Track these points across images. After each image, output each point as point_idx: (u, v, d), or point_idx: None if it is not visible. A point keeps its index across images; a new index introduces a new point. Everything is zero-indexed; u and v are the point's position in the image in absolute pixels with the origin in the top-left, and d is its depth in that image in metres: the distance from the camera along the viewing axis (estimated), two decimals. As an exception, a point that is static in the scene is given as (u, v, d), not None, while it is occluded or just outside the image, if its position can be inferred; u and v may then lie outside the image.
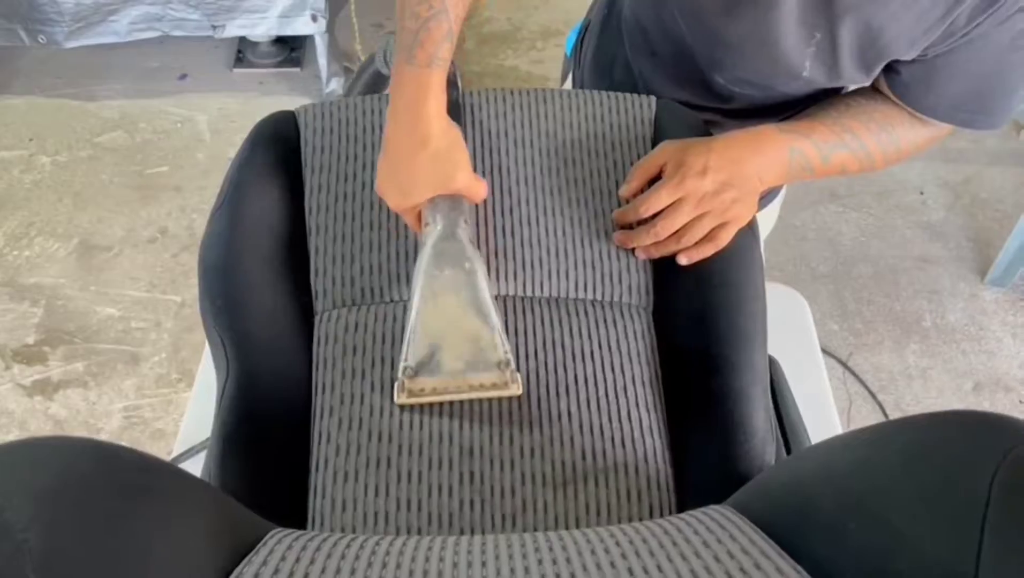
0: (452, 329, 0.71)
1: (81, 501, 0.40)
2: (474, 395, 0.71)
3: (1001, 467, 0.39)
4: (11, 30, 2.14)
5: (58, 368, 1.78)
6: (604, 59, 1.08)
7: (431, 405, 0.71)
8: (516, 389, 0.71)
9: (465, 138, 0.81)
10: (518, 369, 0.73)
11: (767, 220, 1.20)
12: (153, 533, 0.43)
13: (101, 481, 0.43)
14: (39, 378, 1.77)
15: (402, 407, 0.71)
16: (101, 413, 1.71)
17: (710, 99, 0.96)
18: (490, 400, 0.72)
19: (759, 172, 0.81)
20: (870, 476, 0.45)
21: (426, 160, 0.73)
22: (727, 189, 0.78)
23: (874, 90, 0.87)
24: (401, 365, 0.71)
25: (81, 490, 0.41)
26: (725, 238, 0.78)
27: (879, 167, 0.90)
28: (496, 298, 0.78)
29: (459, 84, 0.86)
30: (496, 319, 0.72)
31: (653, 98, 0.88)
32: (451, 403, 0.72)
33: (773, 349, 0.81)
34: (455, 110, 0.83)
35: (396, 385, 0.71)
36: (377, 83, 1.04)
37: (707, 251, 0.78)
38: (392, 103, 0.75)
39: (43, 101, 2.36)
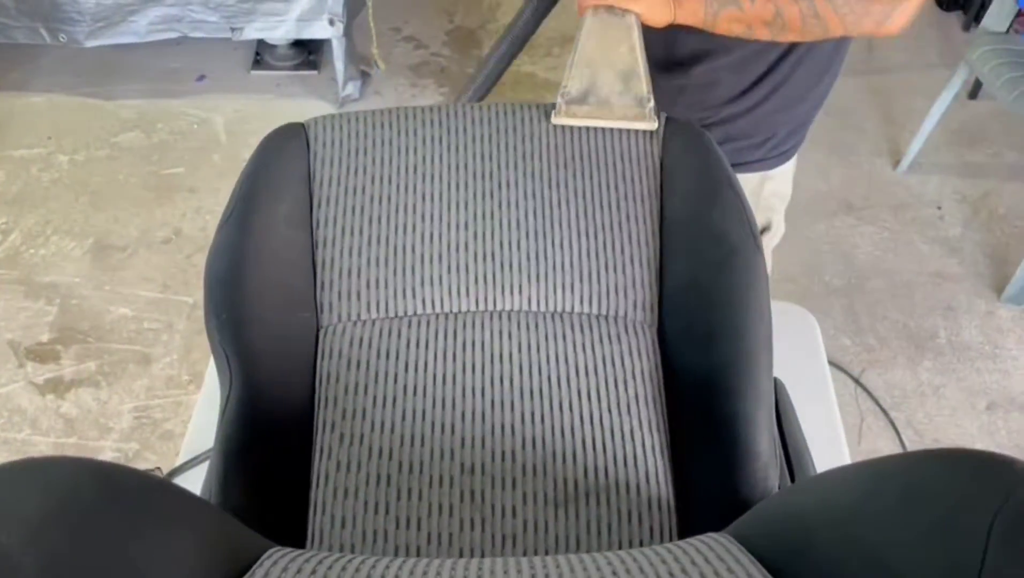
0: (606, 66, 0.86)
1: (79, 524, 0.40)
2: (616, 124, 0.86)
3: (1001, 511, 0.38)
4: (33, 28, 2.16)
5: (70, 367, 1.79)
6: None
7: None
8: (652, 124, 0.86)
9: (468, 152, 0.84)
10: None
11: (775, 231, 1.19)
12: (151, 555, 0.43)
13: (99, 503, 0.43)
14: (51, 376, 1.78)
15: (556, 127, 0.86)
16: (112, 413, 1.72)
17: None
18: (628, 130, 0.86)
19: None
20: (869, 515, 0.45)
21: None
22: None
23: None
24: (561, 90, 0.85)
25: (79, 513, 0.41)
26: None
27: (833, 28, 0.87)
28: (501, 313, 0.78)
29: None
30: (643, 60, 0.86)
31: (663, 114, 0.88)
32: (458, 411, 0.71)
33: (781, 368, 0.80)
34: None
35: (555, 108, 0.86)
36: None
37: None
38: None
39: (62, 100, 2.38)
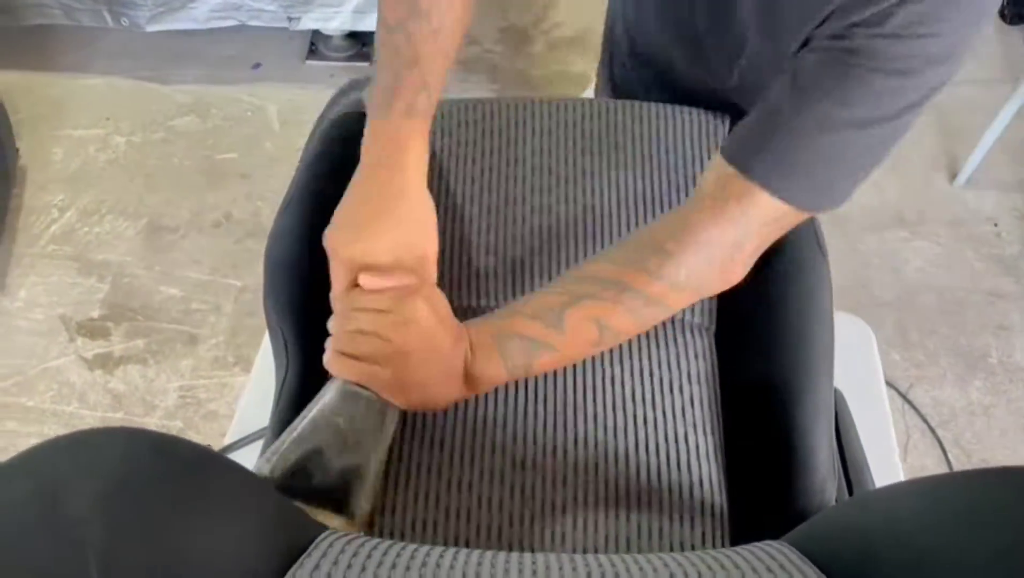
0: (333, 449, 0.62)
1: (140, 497, 0.41)
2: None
3: None
4: (96, 11, 2.21)
5: (120, 344, 1.83)
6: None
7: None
8: None
9: (527, 146, 0.80)
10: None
11: None
12: (210, 531, 0.43)
13: (160, 476, 0.43)
14: (101, 352, 1.81)
15: None
16: (158, 391, 1.75)
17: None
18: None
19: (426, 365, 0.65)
20: (936, 532, 0.44)
21: (401, 216, 0.66)
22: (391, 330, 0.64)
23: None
24: (266, 454, 0.62)
25: (140, 485, 0.41)
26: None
27: (676, 302, 0.70)
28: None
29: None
30: (379, 467, 0.64)
31: (727, 116, 0.87)
32: (504, 414, 0.71)
33: (835, 378, 0.79)
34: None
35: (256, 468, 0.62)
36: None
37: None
38: (363, 160, 0.68)
39: (121, 82, 2.42)
